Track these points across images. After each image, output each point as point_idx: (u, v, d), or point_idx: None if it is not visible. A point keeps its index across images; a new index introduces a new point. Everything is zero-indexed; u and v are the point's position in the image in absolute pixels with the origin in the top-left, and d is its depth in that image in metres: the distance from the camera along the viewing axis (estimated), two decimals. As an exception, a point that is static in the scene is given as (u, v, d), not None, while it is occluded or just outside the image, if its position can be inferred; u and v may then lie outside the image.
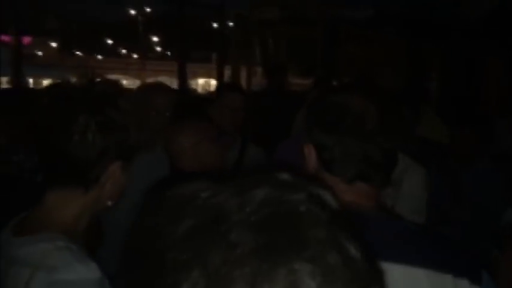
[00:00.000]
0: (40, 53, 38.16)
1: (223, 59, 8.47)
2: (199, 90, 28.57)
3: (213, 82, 23.98)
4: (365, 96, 1.04)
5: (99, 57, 42.55)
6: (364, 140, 0.98)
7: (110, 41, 44.81)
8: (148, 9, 39.44)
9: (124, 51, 46.33)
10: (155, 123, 2.40)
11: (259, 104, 5.02)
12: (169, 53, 41.90)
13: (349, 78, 7.78)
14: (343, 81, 7.40)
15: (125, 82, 43.54)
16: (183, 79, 7.17)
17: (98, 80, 1.10)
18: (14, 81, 5.67)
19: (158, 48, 45.07)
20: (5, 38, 34.18)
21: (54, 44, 42.36)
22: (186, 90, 7.65)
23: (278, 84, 5.34)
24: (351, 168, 0.99)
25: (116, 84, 1.13)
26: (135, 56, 44.26)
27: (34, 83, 34.33)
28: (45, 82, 36.04)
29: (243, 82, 8.02)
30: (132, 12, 40.68)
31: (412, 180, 2.25)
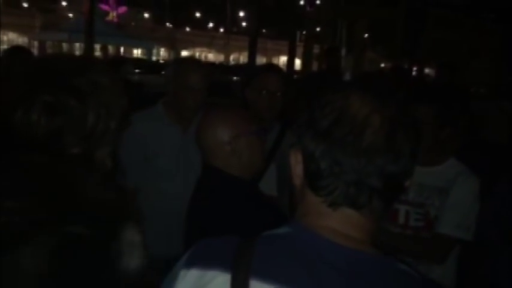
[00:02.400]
0: (133, 23, 39.73)
1: (294, 37, 8.27)
2: (282, 67, 28.35)
3: (297, 61, 23.73)
4: (374, 101, 0.81)
5: (187, 29, 43.53)
6: (359, 157, 0.78)
7: (198, 14, 45.66)
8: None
9: (211, 25, 47.06)
10: (190, 101, 2.32)
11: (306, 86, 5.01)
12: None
13: (433, 66, 7.24)
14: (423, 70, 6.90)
15: (210, 56, 44.43)
16: (253, 56, 7.13)
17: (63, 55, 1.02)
18: (85, 48, 5.85)
19: (244, 24, 45.32)
20: (104, 7, 35.79)
21: (147, 15, 43.96)
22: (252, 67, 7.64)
23: (331, 66, 5.29)
24: (337, 189, 0.80)
25: (82, 61, 1.03)
26: (221, 30, 44.81)
27: (124, 51, 35.93)
28: (136, 52, 37.68)
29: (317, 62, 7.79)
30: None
31: (460, 190, 1.98)
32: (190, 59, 3.51)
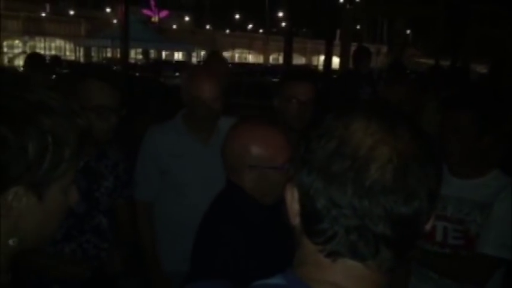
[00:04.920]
0: (175, 27, 40.37)
1: (332, 36, 8.10)
2: (321, 67, 28.02)
3: (336, 60, 23.42)
4: (381, 130, 0.66)
5: (227, 31, 43.78)
6: (361, 197, 0.64)
7: (238, 16, 45.80)
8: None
9: (250, 26, 47.09)
10: (201, 112, 2.18)
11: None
12: (294, 29, 41.70)
13: (480, 63, 6.88)
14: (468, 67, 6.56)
15: (250, 57, 44.46)
16: (288, 56, 7.05)
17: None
18: (121, 55, 5.89)
19: (283, 24, 45.15)
20: (147, 12, 36.52)
21: (187, 18, 44.52)
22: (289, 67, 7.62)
23: (360, 67, 5.31)
24: (336, 236, 0.65)
25: (22, 79, 0.86)
26: (260, 31, 44.76)
27: (166, 55, 36.52)
28: (177, 55, 38.23)
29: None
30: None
31: (504, 206, 1.78)
32: (201, 67, 3.36)
